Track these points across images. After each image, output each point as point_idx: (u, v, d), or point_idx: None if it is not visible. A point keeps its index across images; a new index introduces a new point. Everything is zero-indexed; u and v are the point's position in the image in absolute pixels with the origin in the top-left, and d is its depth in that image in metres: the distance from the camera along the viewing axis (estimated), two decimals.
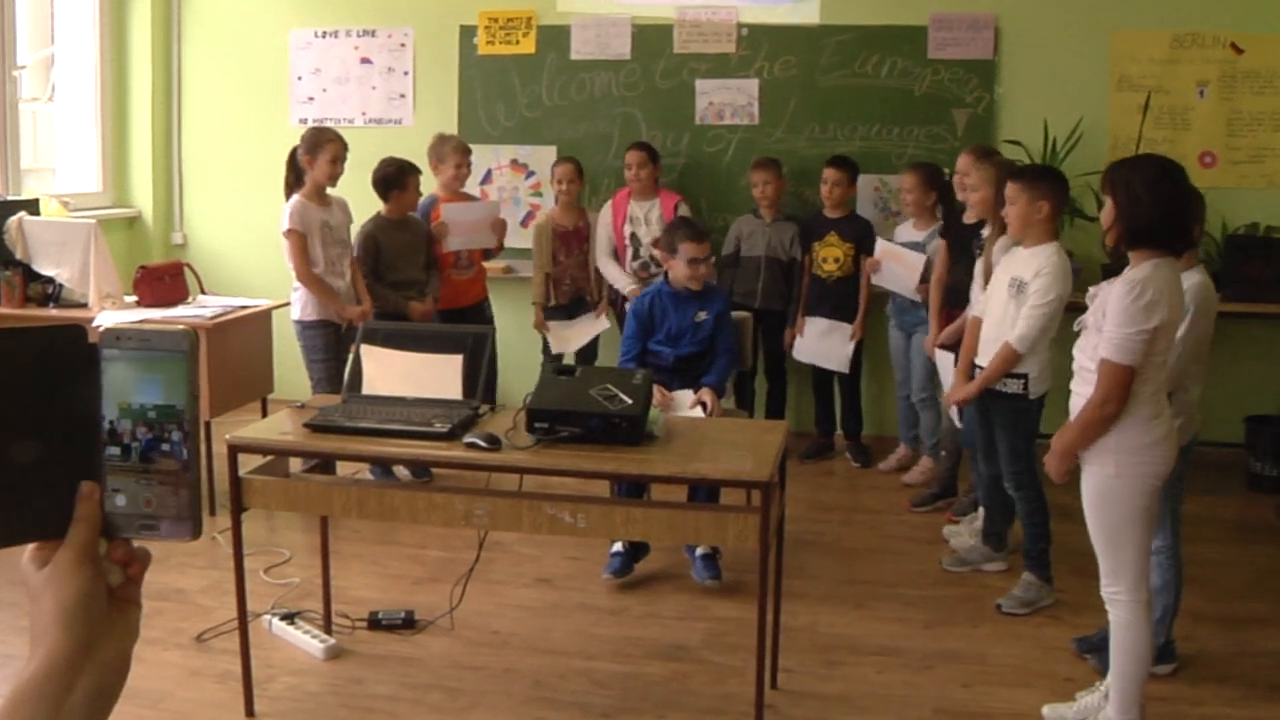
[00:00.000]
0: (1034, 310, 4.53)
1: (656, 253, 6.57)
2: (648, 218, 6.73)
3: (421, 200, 6.42)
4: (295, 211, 5.79)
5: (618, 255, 6.89)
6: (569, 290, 6.81)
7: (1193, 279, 3.84)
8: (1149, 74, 6.90)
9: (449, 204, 6.40)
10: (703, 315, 5.22)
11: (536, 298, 6.79)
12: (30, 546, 1.06)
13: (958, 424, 5.75)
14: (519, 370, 6.86)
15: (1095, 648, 4.20)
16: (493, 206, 6.70)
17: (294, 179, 5.92)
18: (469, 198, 6.73)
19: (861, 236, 6.72)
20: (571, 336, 6.81)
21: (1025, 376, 4.64)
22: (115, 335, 1.07)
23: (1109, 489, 3.57)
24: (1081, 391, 3.63)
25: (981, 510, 5.46)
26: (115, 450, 1.07)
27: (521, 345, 6.86)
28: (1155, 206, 3.48)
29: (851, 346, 6.74)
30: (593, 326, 6.84)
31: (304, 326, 5.90)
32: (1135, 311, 3.42)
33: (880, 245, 6.50)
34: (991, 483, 5.06)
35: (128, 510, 1.08)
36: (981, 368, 4.77)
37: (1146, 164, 3.65)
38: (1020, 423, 4.73)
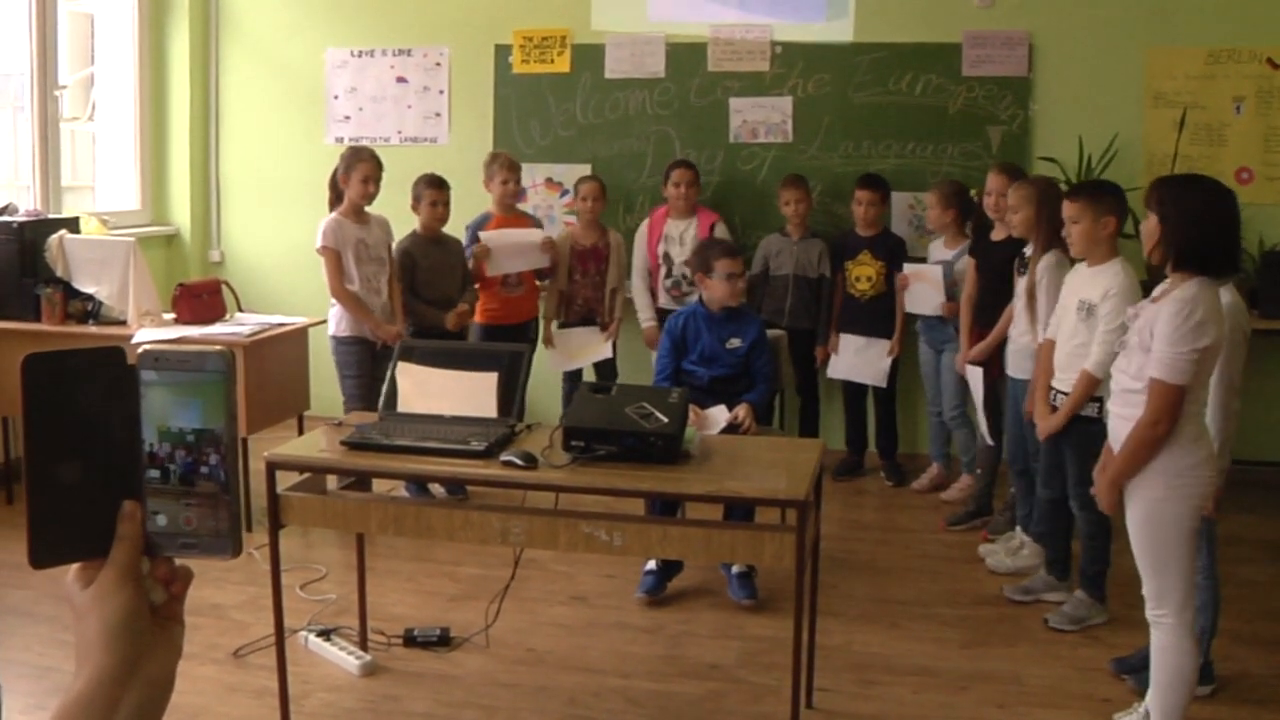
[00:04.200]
0: (1107, 335, 4.41)
1: (689, 271, 6.58)
2: (683, 237, 6.72)
3: (476, 217, 6.49)
4: (329, 229, 5.85)
5: (651, 274, 6.89)
6: (580, 309, 6.79)
7: (1225, 298, 3.81)
8: (1184, 90, 6.86)
9: (489, 232, 6.43)
10: (736, 343, 5.21)
11: (548, 313, 6.79)
12: (74, 566, 1.07)
13: (989, 442, 5.72)
14: (552, 388, 6.88)
15: (1133, 668, 4.17)
16: (534, 232, 6.67)
17: (335, 198, 5.97)
18: (521, 215, 6.77)
19: (893, 254, 6.72)
20: (574, 351, 6.79)
21: (1100, 400, 4.56)
22: (153, 357, 1.08)
23: (1158, 512, 3.53)
24: (1121, 413, 3.60)
25: (1019, 530, 5.43)
26: (155, 473, 1.08)
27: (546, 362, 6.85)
28: (1209, 230, 3.46)
29: (889, 361, 6.74)
30: (596, 347, 6.81)
31: (338, 342, 5.95)
32: (1186, 331, 3.39)
33: (907, 268, 6.49)
34: (1051, 507, 4.96)
35: (168, 530, 1.09)
36: (1061, 391, 4.71)
37: (1200, 185, 3.61)
38: (1093, 445, 4.64)
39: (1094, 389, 4.55)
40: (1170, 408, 3.45)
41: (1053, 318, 4.86)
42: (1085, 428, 4.59)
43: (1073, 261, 4.75)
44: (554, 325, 6.79)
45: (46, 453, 1.05)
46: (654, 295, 6.88)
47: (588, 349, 6.78)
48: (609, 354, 6.78)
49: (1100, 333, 4.46)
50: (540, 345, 6.71)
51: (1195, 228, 3.47)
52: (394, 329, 5.92)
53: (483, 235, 6.39)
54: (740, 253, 5.44)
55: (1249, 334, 4.03)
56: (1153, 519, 3.54)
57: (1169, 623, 3.57)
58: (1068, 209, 4.55)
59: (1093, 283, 4.52)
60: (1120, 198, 4.61)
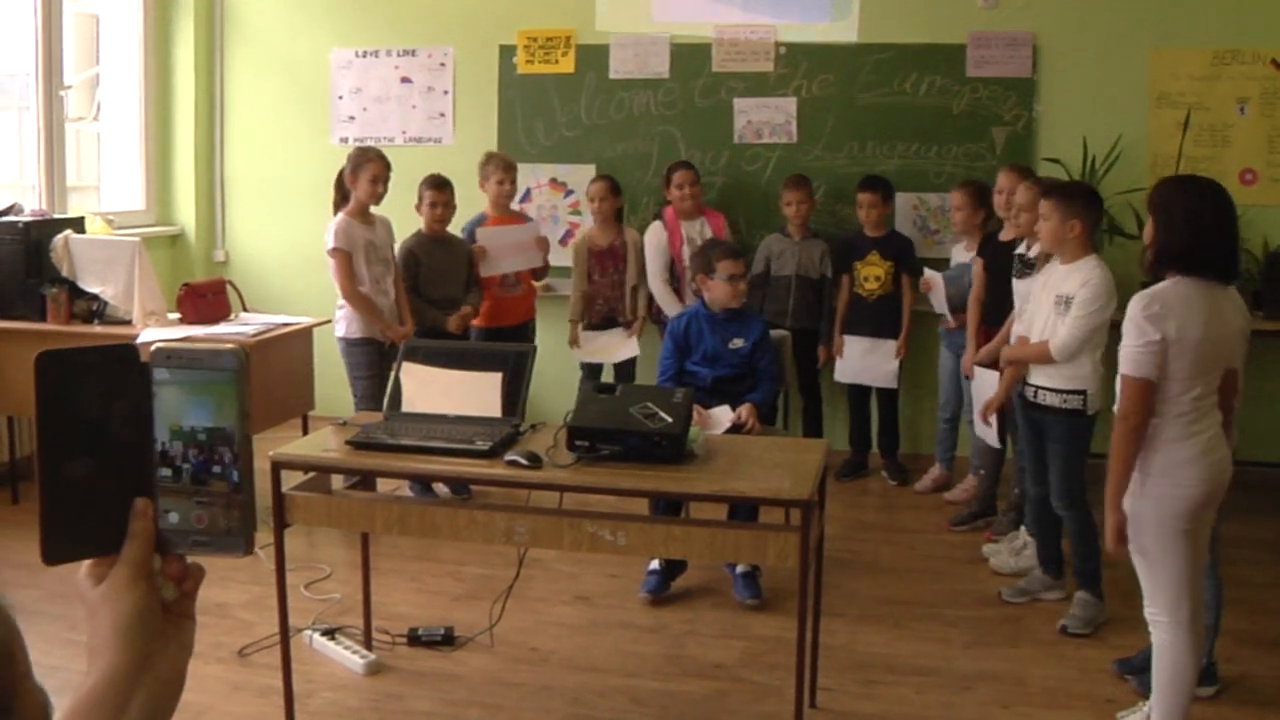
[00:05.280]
0: (1076, 320, 4.50)
1: None
2: (701, 237, 6.72)
3: (471, 219, 6.48)
4: (340, 230, 5.85)
5: (676, 277, 6.86)
6: (602, 309, 6.80)
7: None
8: (1188, 91, 6.86)
9: (485, 229, 6.43)
10: (739, 343, 5.21)
11: (573, 314, 6.80)
12: (86, 563, 1.08)
13: (995, 444, 5.71)
14: (557, 387, 6.88)
15: (1136, 669, 4.17)
16: (530, 228, 6.69)
17: (340, 199, 5.98)
18: (516, 215, 6.77)
19: (901, 254, 6.72)
20: (598, 349, 6.80)
21: (1084, 393, 4.60)
22: (165, 354, 1.08)
23: (1137, 511, 3.56)
24: None
25: (1023, 530, 5.43)
26: (167, 472, 1.09)
27: (559, 363, 6.87)
28: (1188, 232, 3.48)
29: (896, 363, 6.74)
30: (623, 345, 6.81)
31: (349, 344, 5.96)
32: (1141, 323, 3.46)
33: (929, 274, 6.47)
34: (1042, 505, 4.95)
35: (180, 527, 1.10)
36: (1042, 387, 4.72)
37: (1187, 188, 3.63)
38: (1075, 439, 4.67)
39: (1042, 361, 4.64)
40: (1135, 401, 3.49)
41: (1024, 316, 4.90)
42: (1070, 421, 4.62)
43: None
44: (579, 327, 6.79)
45: (59, 450, 1.06)
46: (680, 296, 6.85)
47: (613, 347, 6.79)
48: (635, 351, 6.78)
49: (1071, 317, 4.52)
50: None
51: (1178, 230, 3.49)
52: (403, 329, 5.93)
53: (479, 233, 6.40)
54: (742, 254, 5.44)
55: (1249, 335, 4.03)
56: (1134, 518, 3.57)
57: (1163, 621, 3.59)
58: (1041, 205, 4.63)
59: (1069, 278, 4.59)
60: (1093, 203, 4.68)
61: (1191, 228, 3.50)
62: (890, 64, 7.16)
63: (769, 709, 4.07)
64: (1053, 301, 4.64)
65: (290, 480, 3.82)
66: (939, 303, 6.36)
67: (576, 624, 4.81)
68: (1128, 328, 3.51)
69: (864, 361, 6.81)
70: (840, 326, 6.85)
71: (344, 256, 5.85)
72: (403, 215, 6.25)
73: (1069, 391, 4.63)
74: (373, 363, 5.94)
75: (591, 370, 6.81)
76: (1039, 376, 4.73)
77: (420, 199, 6.23)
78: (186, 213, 8.10)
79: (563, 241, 7.44)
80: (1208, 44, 6.82)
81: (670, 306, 6.77)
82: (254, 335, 5.77)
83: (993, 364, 5.55)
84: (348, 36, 7.91)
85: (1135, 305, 3.49)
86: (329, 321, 6.09)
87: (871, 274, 6.74)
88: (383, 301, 5.96)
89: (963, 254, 6.42)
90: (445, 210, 6.26)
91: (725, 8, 7.35)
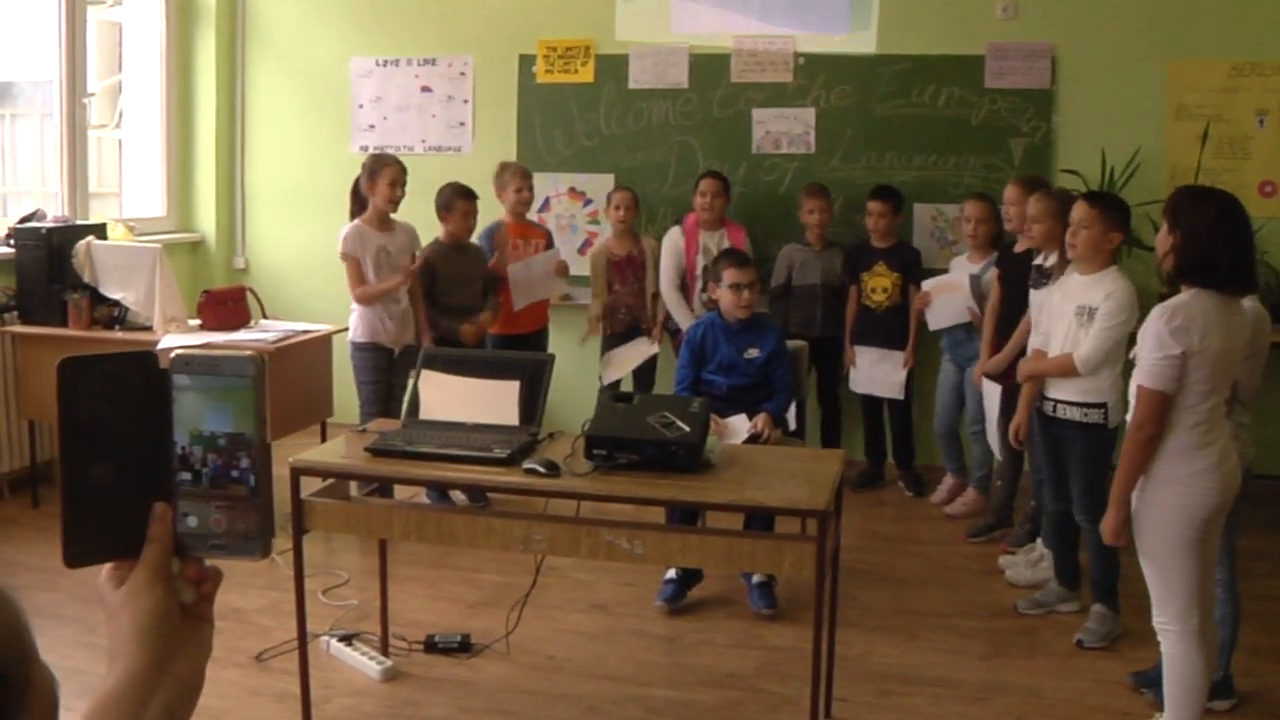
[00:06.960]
0: (1101, 332, 4.46)
1: None
2: (719, 249, 6.72)
3: (487, 225, 6.50)
4: (350, 236, 5.89)
5: (686, 285, 6.88)
6: (625, 319, 6.82)
7: (1245, 306, 3.80)
8: (1207, 103, 6.84)
9: (515, 266, 6.43)
10: (754, 352, 5.21)
11: (597, 329, 6.85)
12: (106, 566, 1.09)
13: (998, 456, 5.70)
14: (574, 395, 6.89)
15: (1152, 681, 4.15)
16: (551, 256, 6.68)
17: (357, 208, 6.01)
18: (531, 224, 6.79)
19: (909, 265, 6.71)
20: (623, 362, 6.81)
21: (1104, 406, 4.57)
22: (184, 360, 1.10)
23: (1149, 518, 3.58)
24: None
25: (1039, 542, 5.42)
26: (186, 476, 1.10)
27: (576, 371, 6.88)
28: (1215, 247, 3.48)
29: (904, 374, 6.72)
30: (643, 349, 6.83)
31: (356, 348, 6.00)
32: (1164, 337, 3.45)
33: (927, 283, 6.46)
34: (1060, 519, 4.93)
35: (198, 531, 1.11)
36: (1060, 401, 4.71)
37: (1209, 202, 3.62)
38: (1097, 452, 4.63)
39: (1064, 374, 4.60)
40: (1153, 413, 3.50)
41: (1040, 328, 4.87)
42: (1091, 435, 4.59)
43: None
44: (601, 341, 6.83)
45: (80, 454, 1.08)
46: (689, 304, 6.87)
47: (637, 357, 6.81)
48: (656, 349, 6.83)
49: (1096, 329, 4.47)
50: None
51: (1205, 244, 3.48)
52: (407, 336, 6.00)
53: (511, 271, 6.39)
54: (750, 263, 5.41)
55: (1267, 346, 4.02)
56: (1145, 525, 3.58)
57: (1173, 631, 3.59)
58: (1080, 211, 4.52)
59: (1092, 289, 4.53)
60: (1129, 218, 4.65)
61: (1214, 240, 3.49)
62: (908, 75, 7.16)
63: (784, 719, 4.07)
64: (1073, 312, 4.60)
65: (309, 487, 3.83)
66: (951, 311, 6.31)
67: (592, 632, 4.82)
68: (1147, 340, 3.51)
69: (873, 372, 6.80)
70: (850, 337, 6.85)
71: (352, 261, 5.88)
72: (421, 223, 6.26)
73: (1089, 405, 4.58)
74: (377, 368, 5.97)
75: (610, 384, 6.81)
76: (1058, 391, 4.69)
77: (449, 208, 6.21)
78: (207, 220, 8.14)
79: (581, 251, 7.46)
80: (1226, 56, 6.80)
81: (680, 313, 6.79)
82: (274, 342, 5.80)
83: (998, 376, 5.55)
84: (368, 45, 7.95)
85: (1157, 318, 3.48)
86: (347, 329, 6.11)
87: (879, 285, 6.73)
88: (392, 309, 5.99)
89: (965, 266, 6.40)
90: (475, 220, 6.30)
91: (744, 19, 7.36)
